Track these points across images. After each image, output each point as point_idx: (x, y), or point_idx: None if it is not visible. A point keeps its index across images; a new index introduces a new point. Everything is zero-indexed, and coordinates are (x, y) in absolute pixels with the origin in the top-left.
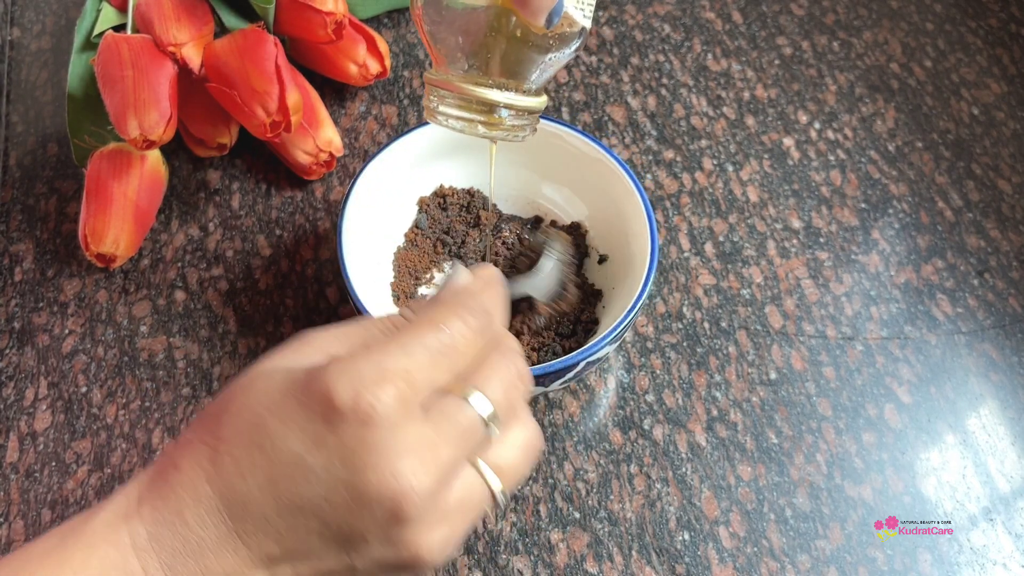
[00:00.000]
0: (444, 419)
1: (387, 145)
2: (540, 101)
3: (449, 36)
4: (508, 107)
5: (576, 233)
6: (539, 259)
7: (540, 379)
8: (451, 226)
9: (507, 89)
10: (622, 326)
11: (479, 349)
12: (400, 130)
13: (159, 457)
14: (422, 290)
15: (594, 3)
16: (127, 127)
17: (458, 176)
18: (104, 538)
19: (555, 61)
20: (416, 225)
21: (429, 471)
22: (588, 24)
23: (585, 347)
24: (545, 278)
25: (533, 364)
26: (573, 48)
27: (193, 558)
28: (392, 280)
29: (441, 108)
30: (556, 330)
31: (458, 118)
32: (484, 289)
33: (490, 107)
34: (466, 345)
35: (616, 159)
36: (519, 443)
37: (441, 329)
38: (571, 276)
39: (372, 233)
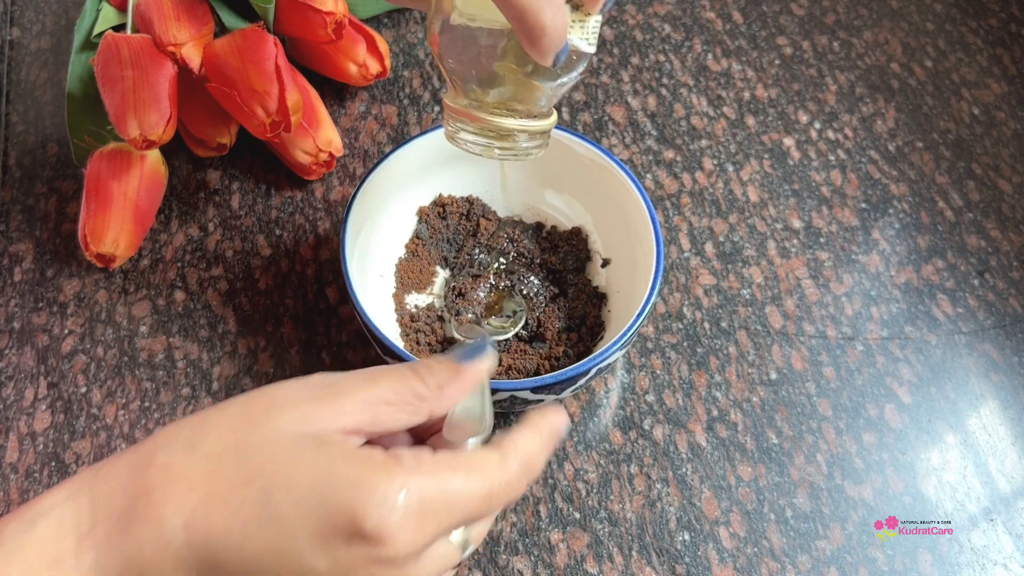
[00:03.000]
0: (438, 560)
1: (386, 157)
2: (551, 121)
3: (465, 63)
4: (523, 132)
5: (577, 238)
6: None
7: (552, 387)
8: (452, 236)
9: (520, 114)
10: (632, 329)
11: None
12: (400, 130)
13: (123, 469)
14: (423, 300)
15: (598, 29)
16: (127, 127)
17: (457, 184)
18: (46, 558)
19: (563, 85)
20: (416, 235)
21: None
22: (592, 50)
23: (596, 353)
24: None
25: (546, 372)
26: (579, 72)
27: None
28: (394, 291)
29: (461, 135)
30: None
31: (475, 143)
32: (548, 445)
33: (507, 132)
34: (504, 504)
35: (618, 163)
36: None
37: (502, 491)
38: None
39: (373, 246)
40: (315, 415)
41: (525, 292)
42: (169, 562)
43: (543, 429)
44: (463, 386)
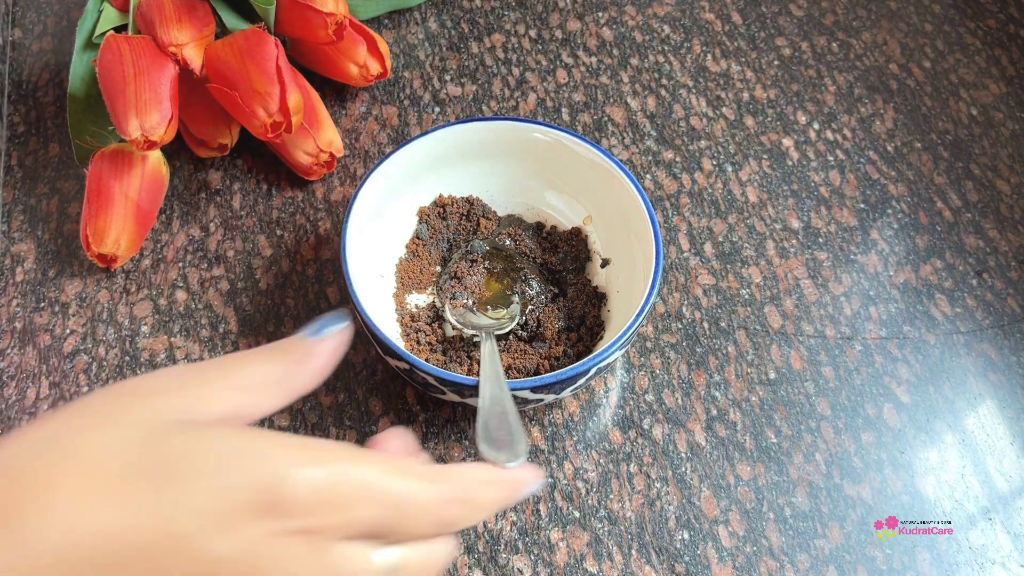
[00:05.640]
0: (349, 561)
1: (386, 158)
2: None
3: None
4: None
5: (576, 238)
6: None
7: (552, 387)
8: (452, 236)
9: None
10: (632, 329)
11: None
12: (401, 131)
13: None
14: (423, 299)
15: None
16: (128, 128)
17: (457, 184)
18: None
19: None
20: (417, 236)
21: None
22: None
23: (596, 353)
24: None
25: (546, 372)
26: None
27: None
28: (394, 291)
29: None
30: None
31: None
32: (504, 488)
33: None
34: (426, 523)
35: (617, 163)
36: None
37: (423, 501)
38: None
39: (374, 246)
40: (185, 404)
41: (524, 291)
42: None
43: (505, 475)
44: (320, 362)
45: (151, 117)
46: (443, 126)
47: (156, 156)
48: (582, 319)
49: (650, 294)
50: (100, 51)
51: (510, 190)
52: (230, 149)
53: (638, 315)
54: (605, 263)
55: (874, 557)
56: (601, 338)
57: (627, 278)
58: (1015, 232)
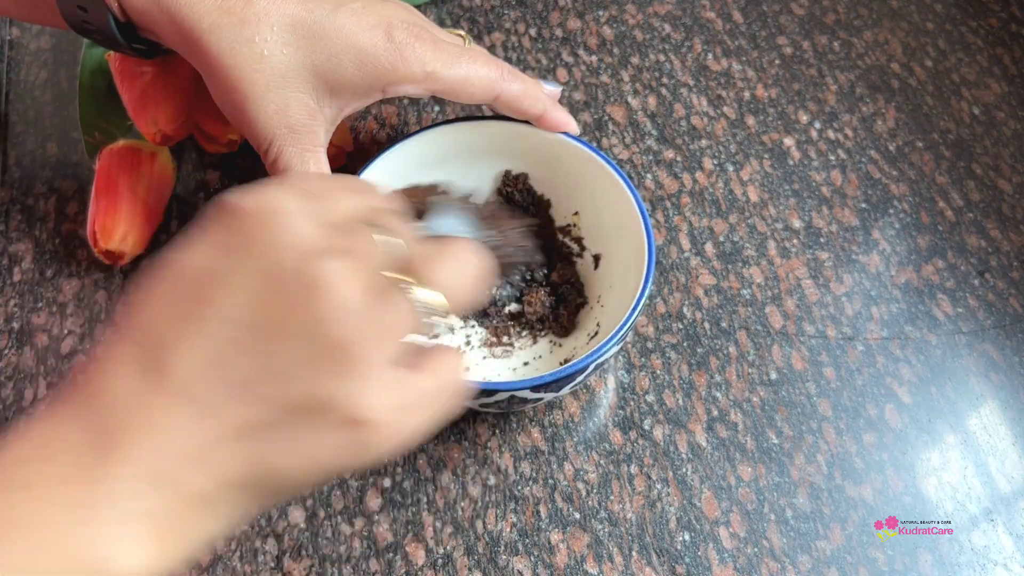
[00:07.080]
0: (349, 231)
1: (372, 161)
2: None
3: None
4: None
5: (541, 203)
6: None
7: (551, 385)
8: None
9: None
10: (628, 323)
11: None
12: (400, 130)
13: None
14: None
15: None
16: (145, 121)
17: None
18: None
19: None
20: None
21: (341, 247)
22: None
23: (594, 349)
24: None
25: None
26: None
27: (123, 430)
28: None
29: None
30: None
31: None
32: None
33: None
34: (342, 200)
35: (599, 153)
36: (445, 252)
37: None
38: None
39: None
40: None
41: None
42: (126, 373)
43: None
44: None
45: (167, 111)
46: (414, 134)
47: (164, 154)
48: (577, 316)
49: (645, 284)
50: None
51: (492, 188)
52: (238, 146)
53: (634, 308)
54: (596, 259)
55: (875, 559)
56: (597, 333)
57: (620, 272)
58: (1017, 232)
